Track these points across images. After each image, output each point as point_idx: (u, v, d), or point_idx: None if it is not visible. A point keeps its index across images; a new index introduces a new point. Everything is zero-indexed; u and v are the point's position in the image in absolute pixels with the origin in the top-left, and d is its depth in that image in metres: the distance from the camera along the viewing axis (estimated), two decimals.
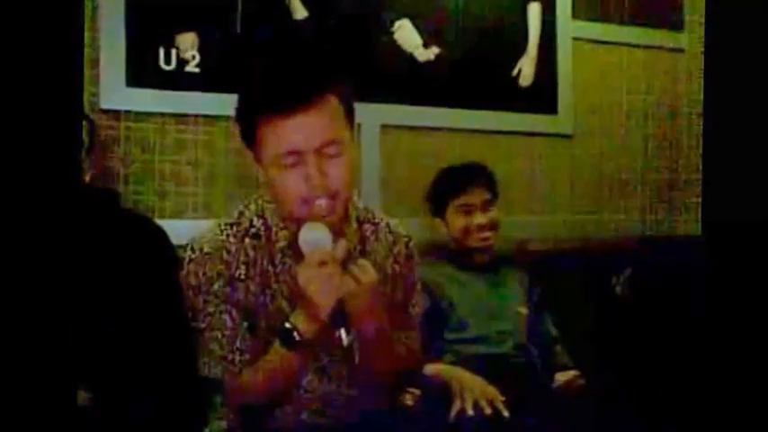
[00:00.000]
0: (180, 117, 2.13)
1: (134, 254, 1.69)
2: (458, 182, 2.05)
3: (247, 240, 1.37)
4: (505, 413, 1.63)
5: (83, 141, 1.67)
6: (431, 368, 1.83)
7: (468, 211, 2.03)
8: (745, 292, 1.02)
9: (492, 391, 1.69)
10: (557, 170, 2.66)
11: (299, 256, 1.32)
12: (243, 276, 1.36)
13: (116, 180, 2.04)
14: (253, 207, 1.42)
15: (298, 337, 1.28)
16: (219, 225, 1.40)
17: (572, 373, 1.98)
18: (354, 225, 1.45)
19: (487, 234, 2.04)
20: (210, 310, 1.36)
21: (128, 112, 2.07)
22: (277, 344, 1.32)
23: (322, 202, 1.29)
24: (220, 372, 1.37)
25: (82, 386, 1.47)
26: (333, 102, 1.29)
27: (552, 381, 1.97)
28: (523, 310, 2.04)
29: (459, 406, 1.67)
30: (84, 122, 1.73)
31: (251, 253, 1.37)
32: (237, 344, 1.36)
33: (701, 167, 2.79)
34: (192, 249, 1.38)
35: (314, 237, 1.27)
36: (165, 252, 1.75)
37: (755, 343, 1.02)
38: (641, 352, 2.26)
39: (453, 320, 1.96)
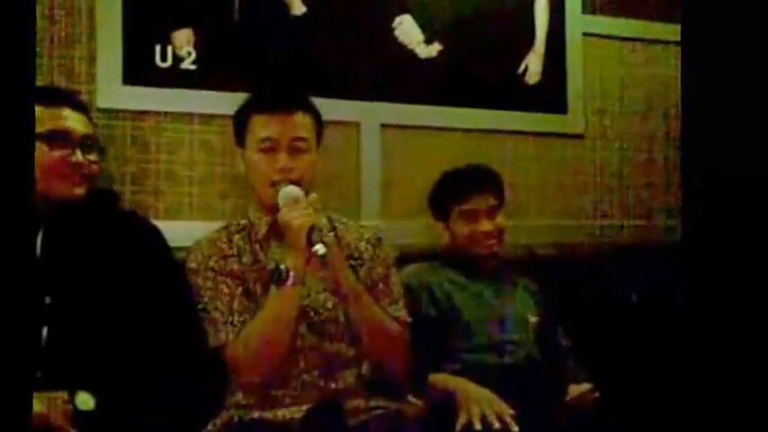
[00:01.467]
0: (176, 115, 2.11)
1: (132, 255, 1.68)
2: (463, 187, 1.97)
3: (236, 236, 1.69)
4: (515, 428, 1.59)
5: (96, 141, 1.66)
6: (436, 378, 1.79)
7: (473, 217, 1.95)
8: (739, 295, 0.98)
9: (500, 404, 1.65)
10: (567, 172, 2.59)
11: (279, 238, 1.62)
12: (235, 254, 1.65)
13: (112, 179, 2.03)
14: (239, 217, 1.75)
15: (287, 272, 1.51)
16: (214, 230, 1.73)
17: (586, 386, 1.91)
18: (324, 219, 1.67)
19: (492, 242, 1.96)
20: (209, 285, 1.61)
21: (124, 110, 2.06)
22: (271, 290, 1.54)
23: (281, 183, 1.60)
24: (224, 336, 1.56)
25: (89, 390, 1.46)
26: (309, 117, 1.69)
27: (565, 393, 1.91)
28: (533, 319, 1.98)
29: (466, 419, 1.63)
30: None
31: (240, 243, 1.67)
32: (235, 305, 1.58)
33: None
34: (191, 246, 1.69)
35: (289, 191, 1.57)
36: (163, 254, 1.74)
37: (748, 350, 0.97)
38: (653, 359, 2.20)
39: (459, 328, 1.90)
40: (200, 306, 1.61)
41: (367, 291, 1.65)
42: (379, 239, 1.76)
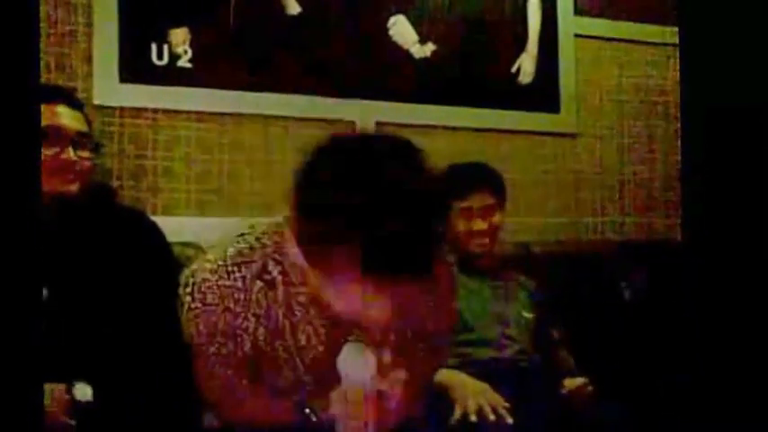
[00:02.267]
0: (172, 113, 2.12)
1: (131, 250, 1.68)
2: (462, 184, 1.99)
3: (258, 284, 1.21)
4: (509, 420, 1.60)
5: (91, 138, 1.67)
6: None
7: (469, 215, 1.97)
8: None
9: (496, 397, 1.65)
10: (560, 170, 2.62)
11: (323, 308, 1.20)
12: (251, 329, 1.23)
13: (109, 176, 2.04)
14: (269, 236, 1.25)
15: (314, 419, 1.21)
16: (226, 252, 1.24)
17: (581, 380, 1.92)
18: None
19: (485, 240, 1.98)
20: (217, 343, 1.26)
21: (121, 108, 2.07)
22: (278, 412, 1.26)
23: None
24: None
25: (87, 383, 1.46)
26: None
27: (560, 387, 1.92)
28: (528, 315, 2.00)
29: (462, 411, 1.63)
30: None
31: (263, 302, 1.22)
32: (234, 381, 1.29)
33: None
34: (192, 293, 1.25)
35: (354, 359, 1.19)
36: (161, 248, 1.75)
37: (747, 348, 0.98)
38: (649, 355, 2.21)
39: (458, 324, 1.92)
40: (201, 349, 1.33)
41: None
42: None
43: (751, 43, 0.93)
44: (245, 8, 2.18)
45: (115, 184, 2.03)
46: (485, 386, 1.70)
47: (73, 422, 1.41)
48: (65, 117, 1.58)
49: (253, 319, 1.21)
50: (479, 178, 2.01)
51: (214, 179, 2.16)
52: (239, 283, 1.20)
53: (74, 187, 1.58)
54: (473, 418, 1.62)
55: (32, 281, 0.95)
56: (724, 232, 0.98)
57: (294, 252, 1.11)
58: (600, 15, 2.67)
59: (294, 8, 2.25)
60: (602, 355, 2.14)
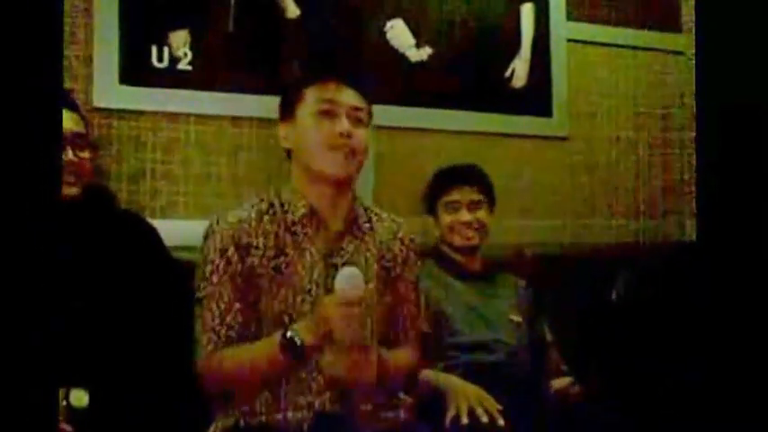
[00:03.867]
0: (172, 115, 2.13)
1: (129, 254, 1.70)
2: (448, 179, 2.08)
3: (266, 217, 1.51)
4: (501, 422, 1.63)
5: (88, 139, 1.68)
6: (426, 374, 1.81)
7: (454, 208, 2.04)
8: (740, 297, 1.02)
9: (487, 398, 1.69)
10: (552, 174, 2.66)
11: (316, 225, 1.51)
12: (259, 245, 1.47)
13: (108, 178, 2.05)
14: (272, 192, 1.57)
15: (299, 344, 1.37)
16: (241, 205, 1.56)
17: (568, 380, 1.97)
18: (361, 209, 1.60)
19: (471, 234, 2.03)
20: (215, 280, 1.46)
21: (120, 110, 2.08)
22: (272, 346, 1.39)
23: (345, 148, 1.48)
24: (205, 340, 1.44)
25: (83, 387, 1.48)
26: (364, 98, 1.58)
27: (547, 387, 1.97)
28: (516, 318, 2.04)
29: (454, 413, 1.66)
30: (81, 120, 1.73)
31: (268, 226, 1.49)
32: (228, 319, 1.44)
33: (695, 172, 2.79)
34: (217, 221, 1.51)
35: (348, 276, 1.35)
36: (158, 252, 1.76)
37: (751, 348, 1.01)
38: (634, 357, 2.26)
39: (447, 327, 1.95)
40: (197, 293, 1.48)
41: (393, 296, 1.58)
42: (412, 240, 1.66)
43: (764, 45, 0.96)
44: (244, 11, 2.19)
45: (114, 186, 2.04)
46: (478, 389, 1.73)
47: (70, 428, 1.42)
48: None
49: (261, 238, 1.48)
50: (466, 174, 2.08)
51: (213, 182, 2.17)
52: (254, 214, 1.50)
53: (74, 190, 1.59)
54: (465, 420, 1.64)
55: (51, 283, 0.97)
56: (739, 233, 0.99)
57: (288, 188, 1.55)
58: (592, 21, 2.71)
59: (293, 11, 2.27)
60: (590, 357, 2.18)
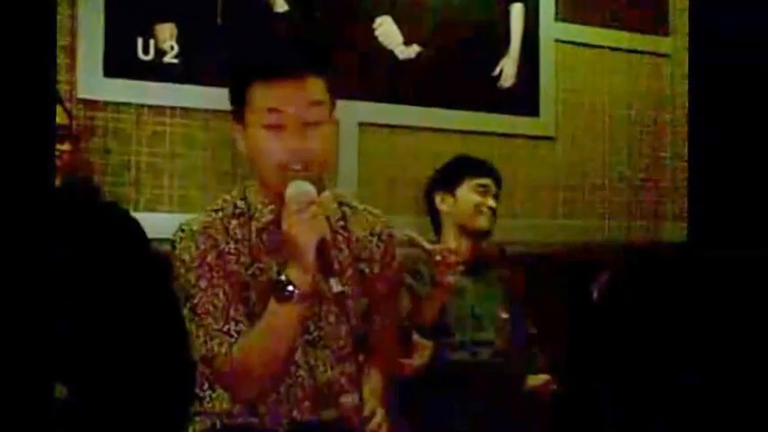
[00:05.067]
0: (157, 108, 2.12)
1: (112, 247, 1.69)
2: (480, 165, 2.12)
3: (233, 221, 1.41)
4: None
5: (70, 130, 1.66)
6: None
7: (484, 191, 2.07)
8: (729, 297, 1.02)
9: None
10: (538, 173, 2.67)
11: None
12: (232, 251, 1.39)
13: (92, 171, 2.04)
14: (235, 193, 1.47)
15: (290, 288, 1.28)
16: (206, 210, 1.45)
17: (543, 377, 1.98)
18: (335, 203, 1.48)
19: (493, 220, 2.09)
20: (203, 284, 1.37)
21: (105, 102, 2.07)
22: (271, 303, 1.32)
23: (298, 167, 1.33)
24: (217, 346, 1.35)
25: (62, 381, 1.47)
26: (321, 80, 1.37)
27: (524, 384, 1.98)
28: (504, 315, 2.05)
29: None
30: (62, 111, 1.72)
31: (238, 231, 1.40)
32: (231, 312, 1.36)
33: (682, 173, 2.82)
34: (182, 230, 1.41)
35: (298, 188, 1.29)
36: (141, 245, 1.75)
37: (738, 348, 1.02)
38: (614, 356, 2.28)
39: (439, 327, 1.94)
40: (188, 305, 1.38)
41: (371, 297, 1.48)
42: (390, 236, 1.54)
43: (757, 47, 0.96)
44: (232, 5, 2.18)
45: (98, 179, 2.02)
46: None
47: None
48: None
49: (232, 243, 1.39)
50: (490, 166, 2.14)
51: (198, 176, 2.16)
52: (218, 221, 1.41)
53: (54, 182, 1.58)
54: None
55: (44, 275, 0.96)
56: (729, 233, 1.00)
57: (254, 187, 1.43)
58: (580, 22, 2.72)
59: (281, 6, 2.26)
60: (566, 352, 2.20)
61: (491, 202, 2.08)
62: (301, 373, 1.41)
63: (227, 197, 1.46)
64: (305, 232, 1.26)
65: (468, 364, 1.92)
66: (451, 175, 2.11)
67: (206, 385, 1.44)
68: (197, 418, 1.45)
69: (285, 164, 1.33)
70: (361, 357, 1.44)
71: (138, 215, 1.82)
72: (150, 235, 1.76)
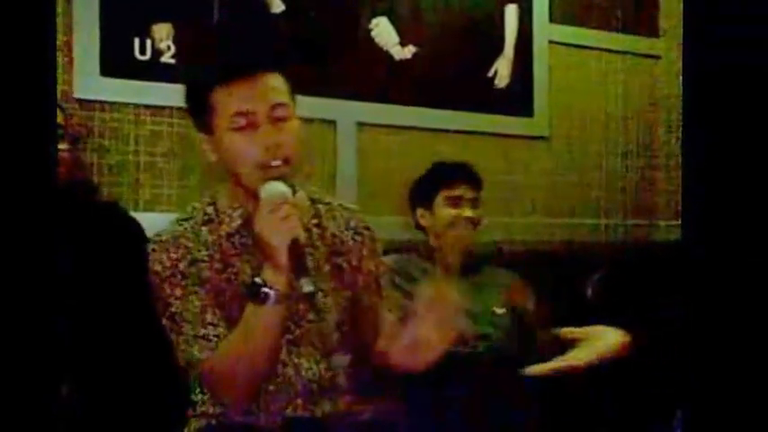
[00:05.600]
0: (155, 108, 2.11)
1: (111, 246, 1.68)
2: (450, 174, 2.09)
3: (204, 228, 1.41)
4: None
5: (66, 130, 1.65)
6: None
7: (457, 203, 2.05)
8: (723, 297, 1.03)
9: None
10: (532, 173, 2.68)
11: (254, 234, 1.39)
12: (205, 257, 1.39)
13: (90, 171, 2.02)
14: (205, 200, 1.47)
15: (266, 289, 1.28)
16: (175, 220, 1.45)
17: (550, 365, 1.93)
18: (308, 202, 1.48)
19: (472, 230, 2.07)
20: (178, 293, 1.37)
21: (102, 102, 2.05)
22: (249, 306, 1.32)
23: (277, 163, 1.33)
24: (197, 352, 1.35)
25: (63, 381, 1.46)
26: (281, 77, 1.38)
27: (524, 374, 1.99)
28: (500, 310, 2.06)
29: None
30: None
31: (208, 237, 1.40)
32: (208, 318, 1.36)
33: (674, 174, 2.85)
34: (153, 242, 1.42)
35: (272, 189, 1.30)
36: (141, 245, 1.74)
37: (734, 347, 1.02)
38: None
39: None
40: (166, 314, 1.38)
41: (355, 288, 1.48)
42: (367, 228, 1.53)
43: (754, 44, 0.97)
44: (229, 5, 2.18)
45: (96, 179, 2.01)
46: None
47: None
48: None
49: (204, 249, 1.39)
50: (467, 171, 2.11)
51: (197, 175, 2.15)
52: (189, 229, 1.41)
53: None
54: None
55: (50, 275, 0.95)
56: (724, 232, 1.00)
57: (223, 191, 1.43)
58: (574, 23, 2.75)
59: (278, 6, 2.26)
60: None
61: (467, 213, 2.05)
62: (289, 371, 1.41)
63: (196, 205, 1.46)
64: (277, 233, 1.26)
65: (465, 356, 1.90)
66: (426, 188, 2.10)
67: (198, 389, 1.44)
68: (192, 420, 1.45)
69: (264, 162, 1.32)
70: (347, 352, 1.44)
71: (136, 215, 1.80)
72: (150, 235, 1.75)
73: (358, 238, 1.50)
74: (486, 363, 1.93)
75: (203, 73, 1.41)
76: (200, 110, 1.38)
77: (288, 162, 1.34)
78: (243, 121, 1.32)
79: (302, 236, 1.29)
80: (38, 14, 0.95)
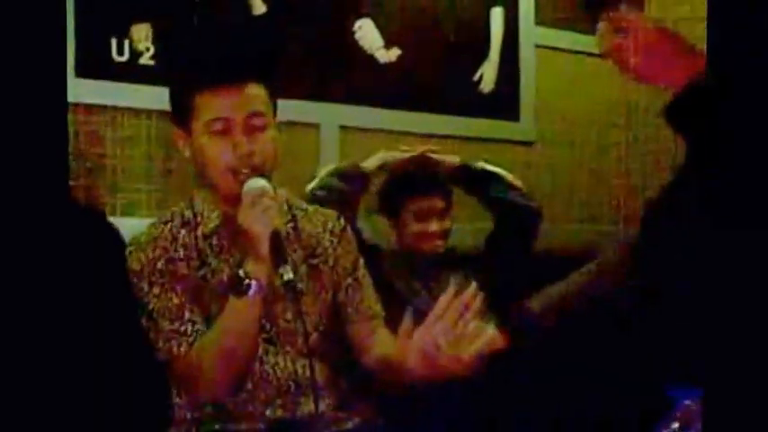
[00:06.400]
0: (133, 111, 2.07)
1: (85, 251, 1.63)
2: (413, 187, 2.03)
3: (182, 230, 1.47)
4: None
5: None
6: None
7: (422, 217, 2.00)
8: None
9: None
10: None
11: (231, 234, 1.44)
12: (182, 256, 1.44)
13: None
14: (182, 204, 1.53)
15: (248, 281, 1.32)
16: (154, 224, 1.51)
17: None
18: (285, 206, 1.52)
19: (439, 243, 2.03)
20: (156, 291, 1.42)
21: (77, 104, 2.01)
22: (230, 301, 1.35)
23: (247, 171, 1.38)
24: (175, 348, 1.38)
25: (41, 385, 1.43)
26: (262, 88, 1.44)
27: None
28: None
29: None
30: None
31: (186, 239, 1.46)
32: (186, 315, 1.40)
33: (661, 178, 2.84)
34: (131, 243, 1.48)
35: (254, 185, 1.36)
36: (117, 250, 1.70)
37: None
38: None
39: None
40: (144, 313, 1.43)
41: (333, 288, 1.53)
42: (344, 228, 1.58)
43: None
44: (209, 6, 2.14)
45: (72, 182, 1.96)
46: None
47: None
48: None
49: (181, 249, 1.45)
50: (431, 182, 2.05)
51: (176, 179, 2.10)
52: (167, 231, 1.47)
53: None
54: None
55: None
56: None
57: (201, 195, 1.49)
58: (560, 27, 2.73)
59: (260, 8, 2.22)
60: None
61: (434, 227, 2.00)
62: (267, 369, 1.44)
63: (175, 209, 1.52)
64: (258, 223, 1.31)
65: None
66: (392, 200, 2.06)
67: (175, 393, 1.46)
68: (172, 429, 1.46)
69: (235, 168, 1.38)
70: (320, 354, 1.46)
71: (115, 220, 1.76)
72: (127, 240, 1.71)
73: (334, 239, 1.55)
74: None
75: (188, 74, 1.50)
76: (181, 109, 1.45)
77: (257, 170, 1.39)
78: (219, 126, 1.39)
79: (281, 226, 1.37)
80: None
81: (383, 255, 2.06)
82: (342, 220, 1.60)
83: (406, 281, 2.02)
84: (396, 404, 1.82)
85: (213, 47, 2.09)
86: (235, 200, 1.37)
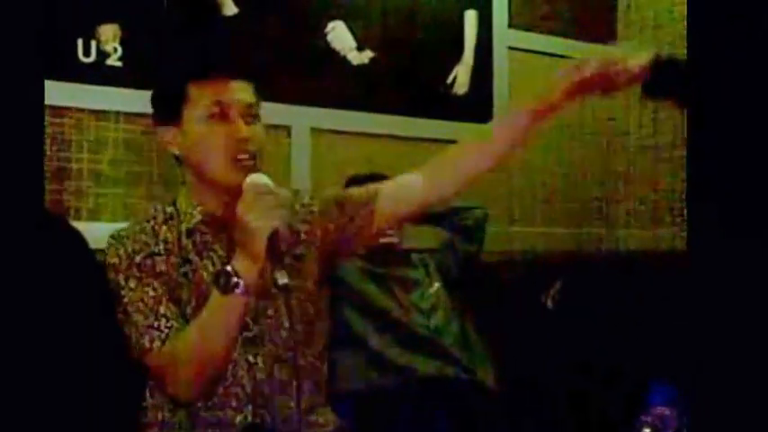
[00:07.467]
0: (100, 113, 2.03)
1: (52, 257, 1.60)
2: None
3: (164, 226, 1.45)
4: None
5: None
6: None
7: None
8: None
9: None
10: (491, 181, 2.66)
11: (214, 230, 1.43)
12: (162, 251, 1.41)
13: None
14: (166, 202, 1.51)
15: (235, 279, 1.28)
16: (136, 220, 1.51)
17: None
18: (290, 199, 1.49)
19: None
20: (132, 285, 1.39)
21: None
22: (213, 297, 1.31)
23: (245, 157, 1.36)
24: (147, 342, 1.35)
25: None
26: (251, 87, 1.46)
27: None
28: (426, 306, 2.06)
29: None
30: None
31: (168, 235, 1.43)
32: (161, 310, 1.37)
33: (635, 182, 2.87)
34: (112, 237, 1.45)
35: (256, 180, 1.30)
36: (83, 256, 1.67)
37: None
38: (562, 362, 2.29)
39: (369, 316, 1.99)
40: (119, 309, 1.39)
41: (318, 278, 1.51)
42: (309, 205, 1.54)
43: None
44: (179, 6, 2.11)
45: None
46: None
47: None
48: None
49: (162, 244, 1.42)
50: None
51: (144, 183, 2.08)
52: (149, 228, 1.45)
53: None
54: None
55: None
56: (730, 243, 0.98)
57: (184, 192, 1.47)
58: (533, 30, 2.73)
59: (230, 9, 2.19)
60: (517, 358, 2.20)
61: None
62: (240, 372, 1.39)
63: (158, 206, 1.50)
64: (260, 219, 1.26)
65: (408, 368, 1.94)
66: None
67: (148, 394, 1.43)
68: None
69: (233, 153, 1.36)
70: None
71: (80, 224, 1.73)
72: (93, 245, 1.68)
73: (309, 218, 1.51)
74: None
75: (184, 64, 1.51)
76: (172, 99, 1.41)
77: (254, 158, 1.37)
78: (217, 110, 1.37)
79: (283, 229, 1.29)
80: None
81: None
82: (313, 208, 1.54)
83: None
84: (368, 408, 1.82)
85: (182, 45, 2.08)
86: (233, 189, 1.32)
